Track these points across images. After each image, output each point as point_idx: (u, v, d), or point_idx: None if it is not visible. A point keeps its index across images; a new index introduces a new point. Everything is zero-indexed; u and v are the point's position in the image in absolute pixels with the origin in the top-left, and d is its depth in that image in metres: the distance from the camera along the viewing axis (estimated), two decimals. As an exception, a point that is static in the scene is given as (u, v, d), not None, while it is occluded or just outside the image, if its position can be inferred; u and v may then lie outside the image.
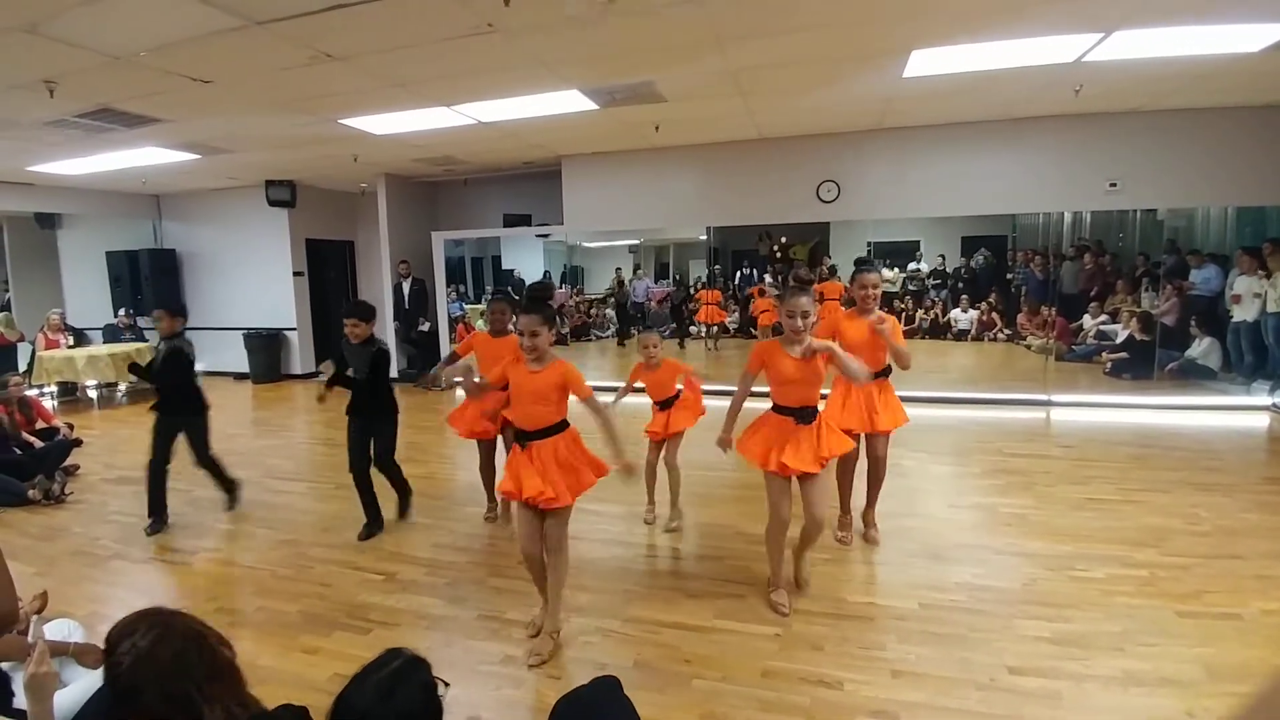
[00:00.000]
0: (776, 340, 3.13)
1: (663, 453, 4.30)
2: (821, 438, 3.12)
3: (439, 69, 5.03)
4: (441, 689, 1.45)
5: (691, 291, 10.16)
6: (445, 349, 9.96)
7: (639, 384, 4.29)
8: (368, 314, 4.36)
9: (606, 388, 4.76)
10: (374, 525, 4.40)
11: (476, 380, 3.52)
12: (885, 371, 3.79)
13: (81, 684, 2.21)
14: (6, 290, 11.97)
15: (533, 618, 3.17)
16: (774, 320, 8.68)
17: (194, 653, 1.45)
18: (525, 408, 2.94)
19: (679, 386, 4.29)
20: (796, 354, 3.05)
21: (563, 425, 2.98)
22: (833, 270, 8.70)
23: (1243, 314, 7.04)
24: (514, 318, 4.27)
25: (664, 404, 4.24)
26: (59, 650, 2.31)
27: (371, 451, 4.41)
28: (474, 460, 5.47)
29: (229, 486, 4.88)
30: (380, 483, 4.46)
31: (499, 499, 4.60)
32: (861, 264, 3.89)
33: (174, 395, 4.59)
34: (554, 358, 2.95)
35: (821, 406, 3.26)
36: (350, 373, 4.37)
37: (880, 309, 3.71)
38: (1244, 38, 4.80)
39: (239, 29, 4.07)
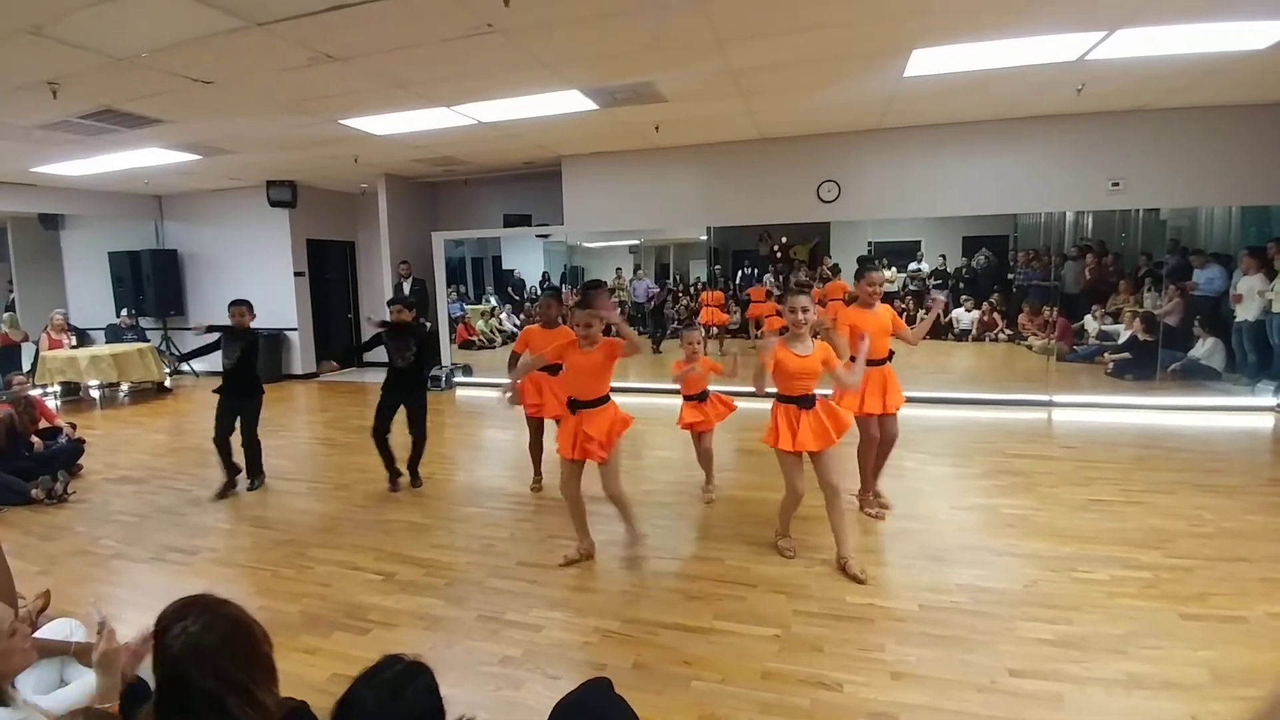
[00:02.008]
0: (781, 340, 3.61)
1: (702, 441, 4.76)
2: (826, 419, 3.59)
3: (439, 69, 5.04)
4: None
5: (670, 293, 10.12)
6: (446, 349, 9.97)
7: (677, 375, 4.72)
8: (411, 303, 5.19)
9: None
10: (397, 480, 5.19)
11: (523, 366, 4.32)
12: (889, 357, 4.29)
13: (81, 683, 2.20)
14: (11, 290, 12.02)
15: (566, 554, 3.82)
16: (777, 325, 8.71)
17: (241, 641, 1.48)
18: (581, 382, 3.67)
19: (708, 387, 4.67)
20: (799, 351, 3.53)
21: (607, 397, 3.72)
22: (835, 270, 8.69)
23: (1245, 313, 7.03)
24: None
25: (698, 398, 4.64)
26: (60, 650, 2.31)
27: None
28: (473, 461, 5.51)
29: (256, 470, 5.40)
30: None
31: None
32: (866, 263, 4.34)
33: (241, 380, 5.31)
34: (601, 338, 3.65)
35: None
36: (398, 360, 5.06)
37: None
38: (1250, 34, 4.77)
39: (240, 30, 4.07)
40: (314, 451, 6.61)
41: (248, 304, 5.32)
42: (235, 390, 5.27)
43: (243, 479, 5.36)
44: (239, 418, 5.26)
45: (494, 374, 10.01)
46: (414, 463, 5.30)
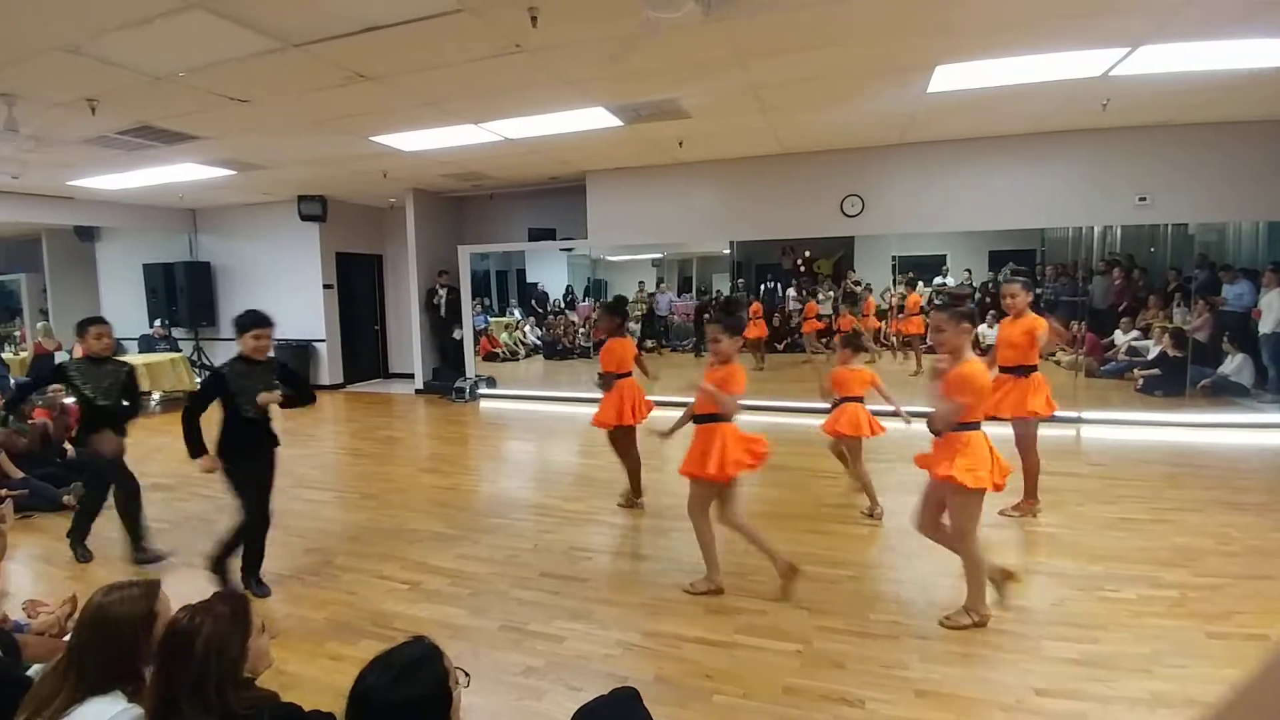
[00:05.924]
0: None
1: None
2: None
3: (468, 88, 5.14)
4: (462, 679, 1.49)
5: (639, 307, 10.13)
6: (470, 361, 10.06)
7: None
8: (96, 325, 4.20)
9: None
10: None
11: None
12: (1027, 369, 4.37)
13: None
14: (46, 300, 12.34)
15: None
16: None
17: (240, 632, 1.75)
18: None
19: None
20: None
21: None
22: (868, 289, 8.74)
23: (1264, 326, 6.93)
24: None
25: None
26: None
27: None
28: (497, 473, 5.52)
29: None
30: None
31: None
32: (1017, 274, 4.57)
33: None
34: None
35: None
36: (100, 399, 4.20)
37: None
38: (1276, 51, 4.73)
39: (276, 51, 4.20)
40: (340, 461, 6.70)
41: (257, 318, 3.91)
42: (260, 448, 3.71)
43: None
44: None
45: (517, 386, 10.10)
46: (79, 528, 4.31)
